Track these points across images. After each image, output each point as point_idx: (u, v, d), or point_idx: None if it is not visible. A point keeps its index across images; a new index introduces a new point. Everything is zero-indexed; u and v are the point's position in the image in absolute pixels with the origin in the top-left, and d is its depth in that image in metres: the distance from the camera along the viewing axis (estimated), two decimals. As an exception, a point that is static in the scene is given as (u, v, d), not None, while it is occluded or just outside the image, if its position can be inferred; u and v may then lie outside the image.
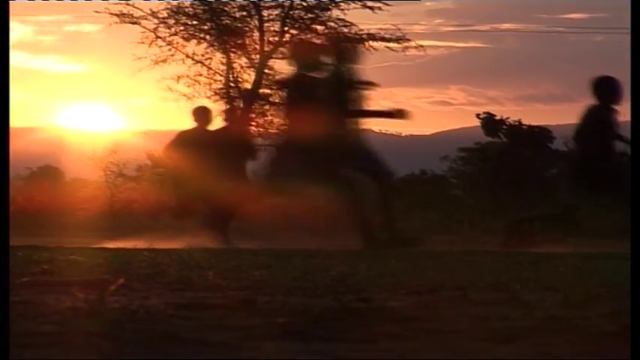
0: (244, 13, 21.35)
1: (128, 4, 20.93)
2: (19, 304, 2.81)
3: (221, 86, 21.44)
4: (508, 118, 26.93)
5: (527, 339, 2.23)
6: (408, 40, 21.31)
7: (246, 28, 21.44)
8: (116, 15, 20.93)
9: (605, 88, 8.60)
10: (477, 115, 26.79)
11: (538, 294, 3.32)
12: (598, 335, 2.30)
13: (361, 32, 21.17)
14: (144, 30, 21.20)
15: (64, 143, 25.59)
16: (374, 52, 21.14)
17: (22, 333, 2.20)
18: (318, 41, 9.16)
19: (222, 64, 21.52)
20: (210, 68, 21.53)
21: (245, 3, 21.26)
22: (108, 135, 25.98)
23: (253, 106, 21.24)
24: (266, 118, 21.44)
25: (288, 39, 21.29)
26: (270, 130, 20.84)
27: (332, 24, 21.15)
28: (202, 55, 21.46)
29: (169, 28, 21.25)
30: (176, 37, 21.30)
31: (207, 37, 21.38)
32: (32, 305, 2.82)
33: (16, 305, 2.77)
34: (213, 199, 9.83)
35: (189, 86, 21.32)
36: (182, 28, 21.26)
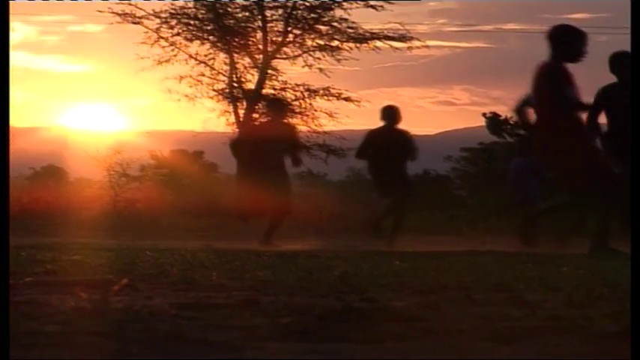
0: (247, 14, 21.36)
1: (130, 4, 20.96)
2: (23, 304, 2.81)
3: (224, 86, 21.45)
4: (512, 117, 26.90)
5: (530, 339, 2.24)
6: (412, 37, 21.28)
7: (249, 29, 21.46)
8: (118, 15, 20.96)
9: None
10: (484, 115, 26.72)
11: (541, 294, 3.32)
12: (601, 335, 2.30)
13: (364, 32, 21.20)
14: (146, 30, 21.23)
15: (67, 143, 25.59)
16: (378, 52, 21.18)
17: (25, 333, 2.20)
18: None
19: (226, 64, 21.53)
20: (213, 68, 21.54)
21: (248, 3, 21.27)
22: (111, 135, 26.03)
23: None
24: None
25: (291, 39, 21.31)
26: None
27: (335, 24, 21.17)
28: (205, 56, 21.48)
29: (172, 28, 21.27)
30: (179, 37, 21.32)
31: (211, 37, 21.38)
32: (36, 305, 2.82)
33: (20, 305, 2.77)
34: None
35: (191, 86, 21.36)
36: (185, 28, 21.27)
